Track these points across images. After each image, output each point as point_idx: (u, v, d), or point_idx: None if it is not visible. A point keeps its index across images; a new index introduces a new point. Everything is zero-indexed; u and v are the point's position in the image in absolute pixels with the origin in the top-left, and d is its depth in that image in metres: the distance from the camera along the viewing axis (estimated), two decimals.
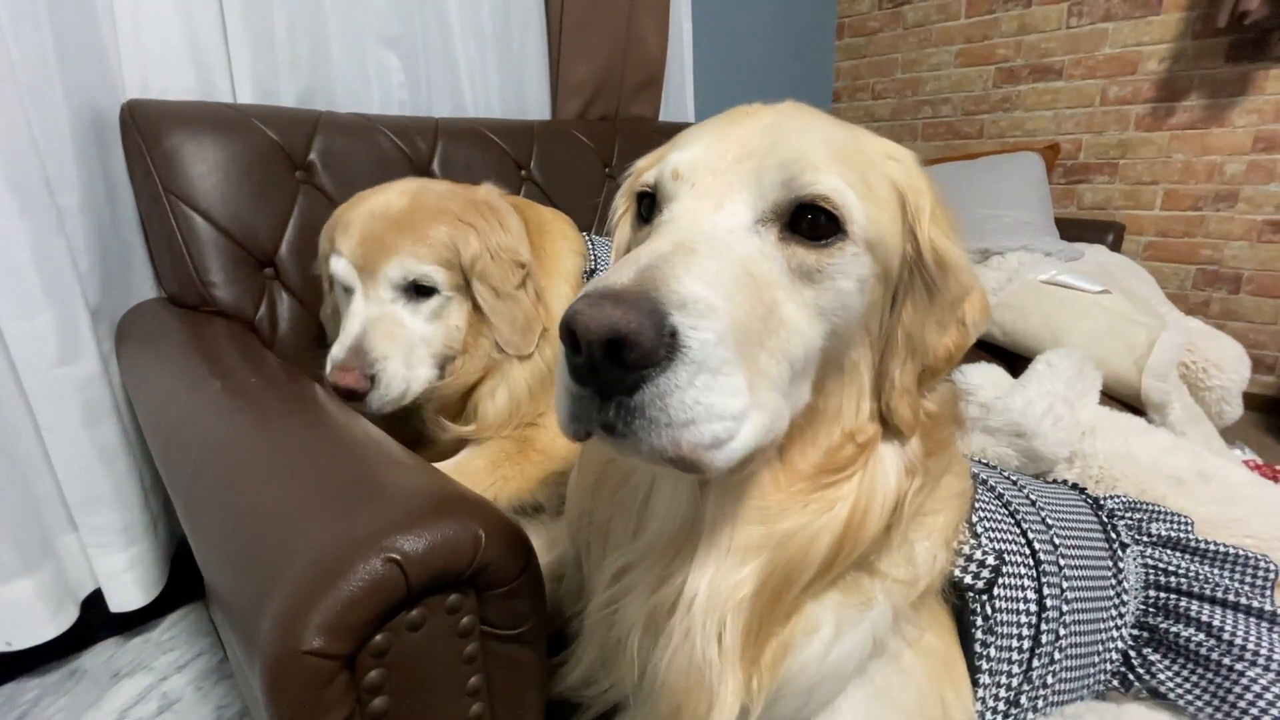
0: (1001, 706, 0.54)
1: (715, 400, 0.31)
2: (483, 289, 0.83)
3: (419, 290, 0.81)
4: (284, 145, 1.06)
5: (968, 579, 0.50)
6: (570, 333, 0.30)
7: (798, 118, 0.42)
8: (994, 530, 0.58)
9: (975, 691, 0.53)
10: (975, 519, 0.56)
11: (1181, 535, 0.79)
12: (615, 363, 0.30)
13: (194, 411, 0.62)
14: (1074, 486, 0.86)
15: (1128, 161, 2.05)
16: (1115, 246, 1.96)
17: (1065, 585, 0.64)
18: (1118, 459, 1.01)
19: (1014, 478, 0.74)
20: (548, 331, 0.90)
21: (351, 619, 0.34)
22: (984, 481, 0.68)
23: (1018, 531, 0.62)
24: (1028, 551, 0.61)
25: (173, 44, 1.04)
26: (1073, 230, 1.91)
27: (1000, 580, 0.55)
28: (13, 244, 0.87)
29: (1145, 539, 0.79)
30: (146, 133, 0.95)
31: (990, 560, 0.51)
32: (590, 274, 0.99)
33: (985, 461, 1.06)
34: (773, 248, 0.37)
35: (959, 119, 2.36)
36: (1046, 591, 0.60)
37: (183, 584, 1.14)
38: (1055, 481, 0.88)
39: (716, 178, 0.38)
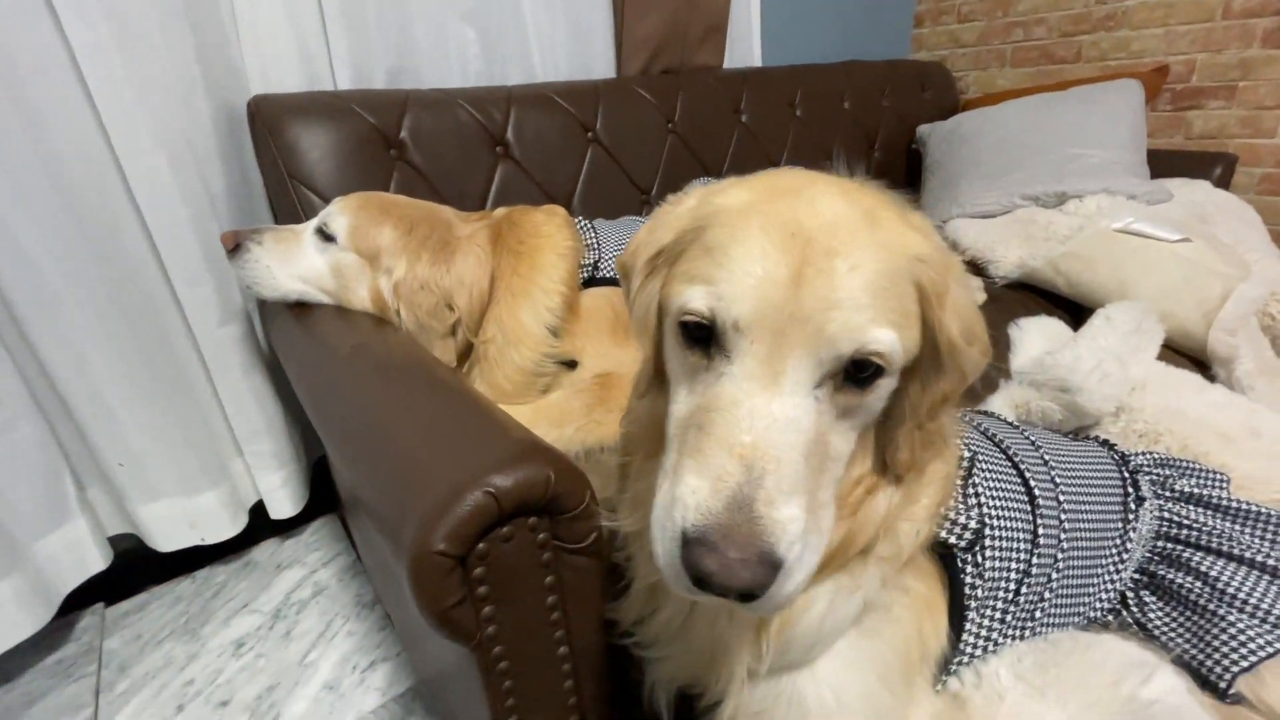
0: (984, 634, 0.64)
1: (799, 577, 0.40)
2: (404, 312, 0.95)
3: (326, 235, 0.97)
4: (380, 127, 1.20)
5: (951, 539, 0.60)
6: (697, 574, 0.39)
7: (847, 229, 0.43)
8: (991, 482, 0.66)
9: (965, 625, 0.63)
10: (973, 480, 0.64)
11: (1206, 492, 0.82)
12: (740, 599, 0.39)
13: (337, 370, 0.80)
14: (1104, 443, 0.90)
15: (1249, 84, 1.85)
16: (1224, 180, 1.81)
17: (1066, 530, 0.71)
18: (1165, 414, 1.03)
19: (1027, 432, 0.80)
20: (521, 342, 0.98)
21: (463, 532, 0.49)
22: (988, 434, 0.75)
23: (1017, 478, 0.70)
24: (1025, 497, 0.69)
25: (283, 40, 1.18)
26: (1174, 164, 1.78)
27: (991, 531, 0.63)
28: (181, 227, 1.07)
29: (1167, 494, 0.83)
30: (271, 125, 1.11)
31: (973, 524, 0.60)
32: (594, 266, 1.05)
33: (1026, 417, 1.11)
34: (826, 403, 0.43)
35: (1054, 41, 2.17)
36: (1041, 532, 0.68)
37: (321, 498, 1.41)
38: (1090, 438, 0.92)
39: (776, 342, 0.41)
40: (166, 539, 1.22)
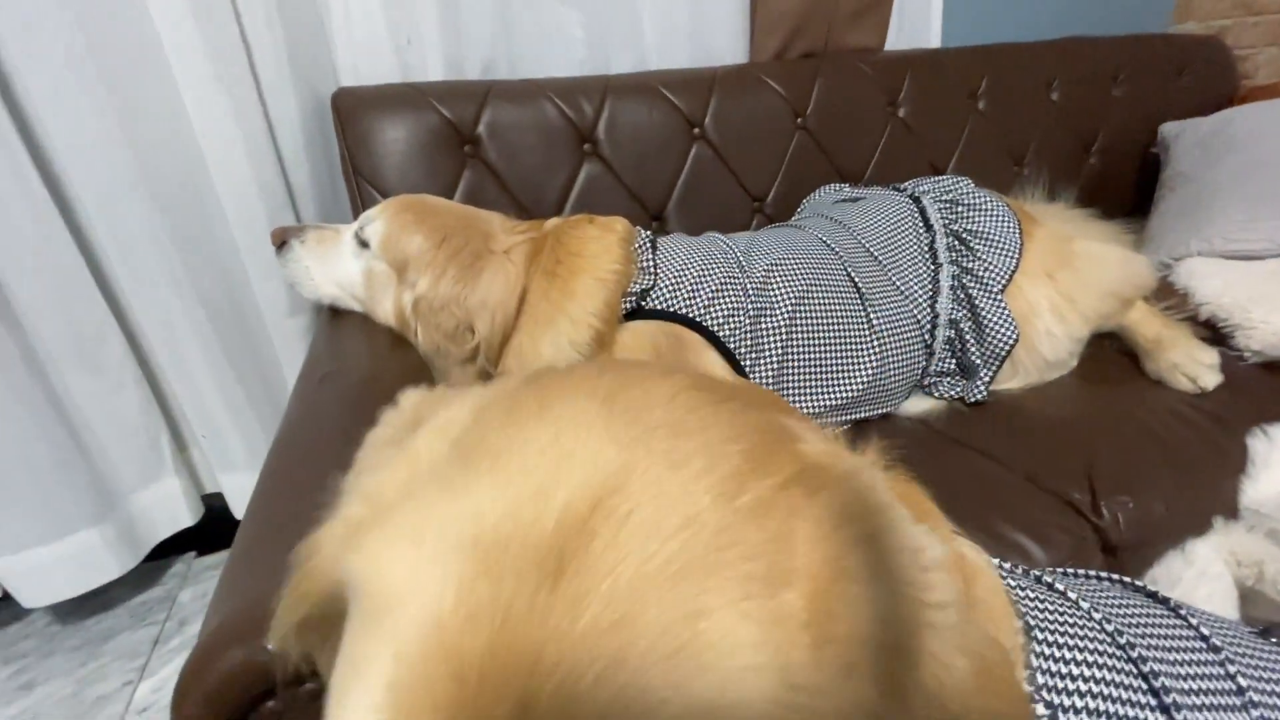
0: None
1: None
2: (421, 333, 0.86)
3: (361, 240, 0.92)
4: (454, 121, 1.12)
5: None
6: None
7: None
8: None
9: None
10: None
11: None
12: None
13: (304, 393, 0.73)
14: None
15: None
16: None
17: None
18: None
19: (1224, 645, 0.47)
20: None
21: (223, 698, 0.37)
22: (1129, 652, 0.43)
23: None
24: None
25: (376, 30, 1.15)
26: None
27: None
28: (255, 217, 1.09)
29: None
30: (346, 119, 1.08)
31: None
32: (641, 296, 0.90)
33: (1255, 584, 0.73)
34: None
35: None
36: None
37: None
38: None
39: None
40: (241, 509, 1.30)
